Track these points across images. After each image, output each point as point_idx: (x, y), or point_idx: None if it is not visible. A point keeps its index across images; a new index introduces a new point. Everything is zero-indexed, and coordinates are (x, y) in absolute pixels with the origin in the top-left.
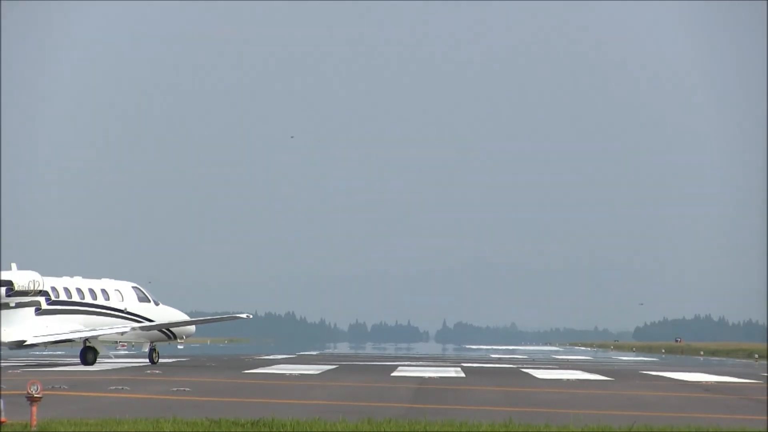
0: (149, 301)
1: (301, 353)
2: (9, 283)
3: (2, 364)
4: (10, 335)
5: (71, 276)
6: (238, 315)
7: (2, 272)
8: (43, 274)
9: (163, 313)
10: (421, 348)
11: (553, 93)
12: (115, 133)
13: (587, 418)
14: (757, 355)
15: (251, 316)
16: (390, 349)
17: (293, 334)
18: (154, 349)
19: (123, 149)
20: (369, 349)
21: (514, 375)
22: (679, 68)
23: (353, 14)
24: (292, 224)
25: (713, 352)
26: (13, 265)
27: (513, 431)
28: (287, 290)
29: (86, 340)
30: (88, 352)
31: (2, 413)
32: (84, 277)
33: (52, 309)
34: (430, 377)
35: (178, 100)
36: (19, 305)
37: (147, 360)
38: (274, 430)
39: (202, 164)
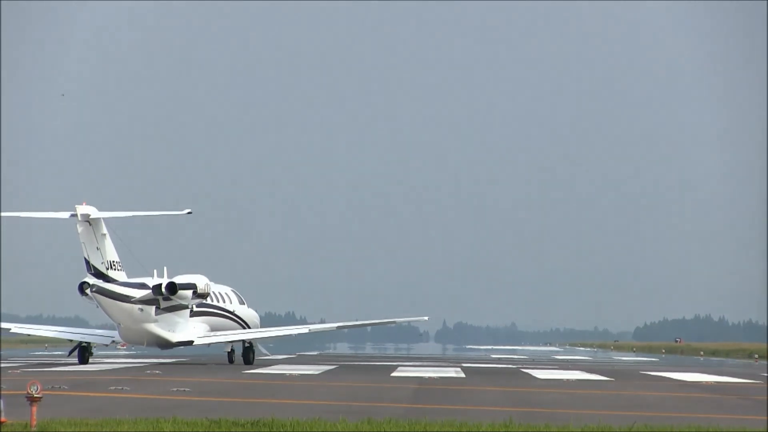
0: (244, 304)
1: (301, 353)
2: (193, 287)
3: (2, 364)
4: (178, 336)
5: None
6: (419, 318)
7: (184, 276)
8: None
9: (250, 315)
10: (421, 348)
11: (553, 95)
12: (111, 131)
13: (587, 418)
14: (757, 355)
15: (427, 319)
16: (390, 349)
17: None
18: (234, 350)
19: (121, 147)
20: (369, 349)
21: (514, 375)
22: (679, 71)
23: (365, 15)
24: (291, 224)
25: (713, 352)
26: (165, 269)
27: (513, 431)
28: (287, 290)
29: (246, 341)
30: (249, 351)
31: (2, 413)
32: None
33: (196, 311)
34: (430, 377)
35: (177, 100)
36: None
37: (224, 360)
38: (274, 430)
39: (199, 164)
